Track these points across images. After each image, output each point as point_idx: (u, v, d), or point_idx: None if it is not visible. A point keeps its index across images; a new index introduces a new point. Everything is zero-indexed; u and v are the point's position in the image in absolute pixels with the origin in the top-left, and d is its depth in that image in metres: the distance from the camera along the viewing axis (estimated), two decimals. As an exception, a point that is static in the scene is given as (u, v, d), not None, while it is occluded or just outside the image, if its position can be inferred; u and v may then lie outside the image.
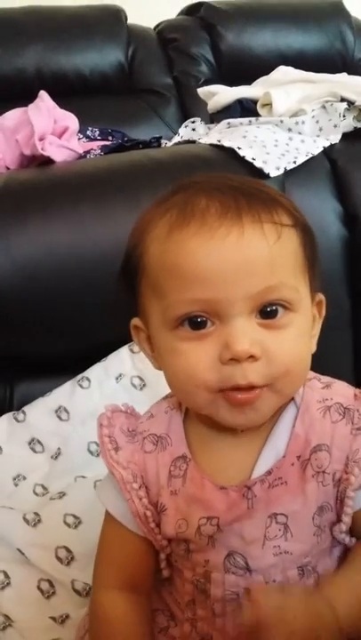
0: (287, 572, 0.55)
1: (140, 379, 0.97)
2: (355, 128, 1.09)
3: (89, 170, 1.05)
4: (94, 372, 0.98)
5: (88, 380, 0.97)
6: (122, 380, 0.97)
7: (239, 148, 1.00)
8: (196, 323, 0.52)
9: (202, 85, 1.59)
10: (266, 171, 0.98)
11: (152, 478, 0.57)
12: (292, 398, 0.57)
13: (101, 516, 0.79)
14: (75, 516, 0.84)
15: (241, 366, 0.51)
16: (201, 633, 0.57)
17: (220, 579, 0.55)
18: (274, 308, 0.52)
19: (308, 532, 0.55)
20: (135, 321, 0.59)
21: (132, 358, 0.97)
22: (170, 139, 1.33)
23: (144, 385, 0.97)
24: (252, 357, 0.51)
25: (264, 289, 0.51)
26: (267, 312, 0.52)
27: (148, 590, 0.60)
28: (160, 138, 1.32)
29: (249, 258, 0.51)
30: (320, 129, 1.09)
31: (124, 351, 0.97)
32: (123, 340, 0.95)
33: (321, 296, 0.59)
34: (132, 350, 0.97)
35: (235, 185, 0.55)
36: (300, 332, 0.53)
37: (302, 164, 1.00)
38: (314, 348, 0.57)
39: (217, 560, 0.55)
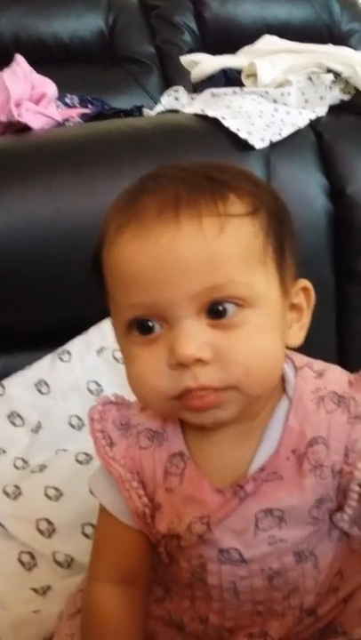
0: (283, 558, 0.54)
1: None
2: (341, 100, 1.08)
3: (68, 138, 1.02)
4: (75, 345, 0.96)
5: (69, 353, 0.96)
6: (103, 354, 0.96)
7: (223, 119, 0.98)
8: (144, 327, 0.49)
9: (185, 54, 1.55)
10: (251, 142, 0.96)
11: (148, 475, 0.56)
12: (285, 390, 0.55)
13: (82, 488, 0.78)
14: (56, 489, 0.84)
15: (190, 370, 0.48)
16: (198, 612, 0.57)
17: (217, 569, 0.54)
18: (222, 307, 0.48)
19: (305, 522, 0.53)
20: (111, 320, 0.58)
21: (113, 331, 0.96)
22: (152, 108, 1.31)
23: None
24: (200, 361, 0.47)
25: (207, 288, 0.48)
26: (216, 311, 0.48)
27: (144, 584, 0.59)
28: (142, 107, 1.29)
29: (184, 257, 0.47)
30: (306, 101, 1.07)
31: (105, 324, 0.96)
32: (104, 312, 0.94)
33: (305, 282, 0.55)
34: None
35: (183, 176, 0.51)
36: (259, 329, 0.49)
37: (288, 136, 0.99)
38: (300, 340, 0.54)
39: (211, 554, 0.54)
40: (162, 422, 0.56)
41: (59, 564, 0.77)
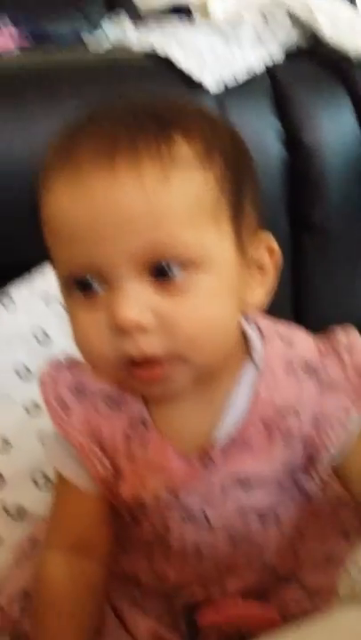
0: (248, 521, 0.54)
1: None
2: (298, 44, 1.04)
3: (4, 68, 0.94)
4: (18, 291, 0.92)
5: (12, 299, 0.92)
6: (49, 299, 0.92)
7: (174, 56, 0.93)
8: (84, 286, 0.45)
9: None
10: (205, 85, 0.92)
11: (108, 441, 0.53)
12: (251, 356, 0.53)
13: (32, 438, 0.77)
14: (4, 440, 0.82)
15: (132, 338, 0.44)
16: (156, 571, 0.57)
17: (179, 532, 0.54)
18: (167, 265, 0.44)
19: (271, 488, 0.53)
20: None
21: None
22: (92, 34, 1.22)
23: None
24: (142, 328, 0.44)
25: (148, 246, 0.43)
26: (160, 270, 0.44)
27: (100, 557, 0.56)
28: (81, 32, 1.20)
29: (120, 210, 0.42)
30: (259, 39, 1.03)
31: (49, 267, 0.91)
32: (48, 255, 0.90)
33: (269, 240, 0.51)
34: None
35: (124, 113, 0.46)
36: (208, 295, 0.45)
37: (243, 81, 0.95)
38: (261, 303, 0.51)
39: (175, 517, 0.53)
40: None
41: (9, 514, 0.76)
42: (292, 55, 1.01)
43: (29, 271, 0.92)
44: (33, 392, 0.79)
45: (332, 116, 0.98)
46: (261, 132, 0.95)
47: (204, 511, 0.53)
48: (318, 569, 0.57)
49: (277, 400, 0.52)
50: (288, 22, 1.01)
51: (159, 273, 0.44)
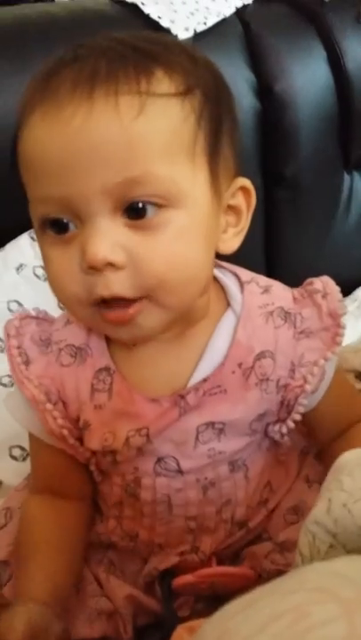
0: (218, 469, 0.54)
1: (44, 268, 0.91)
2: (269, -15, 1.00)
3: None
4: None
5: (-15, 271, 0.90)
6: (23, 271, 0.90)
7: (143, 4, 0.90)
8: (58, 225, 0.45)
9: None
10: (174, 32, 0.89)
11: (71, 394, 0.53)
12: (228, 304, 0.53)
13: (6, 413, 0.76)
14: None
15: (103, 276, 0.44)
16: (126, 530, 0.57)
17: (151, 483, 0.53)
18: (141, 204, 0.43)
19: (244, 434, 0.53)
20: None
21: (33, 246, 0.90)
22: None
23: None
24: (112, 266, 0.43)
25: (123, 181, 0.42)
26: (134, 209, 0.43)
27: (77, 497, 0.57)
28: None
29: (98, 142, 0.42)
30: (232, -14, 0.99)
31: (23, 239, 0.90)
32: (21, 226, 0.88)
33: (244, 181, 0.50)
34: (32, 238, 0.90)
35: (106, 45, 0.45)
36: (180, 233, 0.44)
37: (213, 26, 0.91)
38: (235, 247, 0.50)
39: (147, 466, 0.53)
40: (86, 338, 0.53)
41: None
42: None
43: (2, 244, 0.90)
44: (7, 365, 0.78)
45: (305, 64, 0.94)
46: (233, 82, 0.87)
47: (176, 459, 0.52)
48: (288, 523, 0.57)
49: (255, 345, 0.52)
50: None
51: (132, 212, 0.43)
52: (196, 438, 0.52)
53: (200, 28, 0.90)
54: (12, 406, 0.56)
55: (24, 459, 0.75)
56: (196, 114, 0.45)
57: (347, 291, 1.06)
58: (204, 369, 0.52)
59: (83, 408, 0.53)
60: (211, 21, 0.91)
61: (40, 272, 0.90)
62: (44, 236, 0.46)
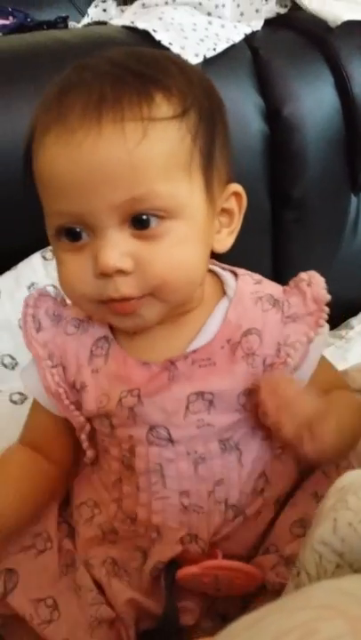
0: (209, 444, 0.56)
1: (55, 287, 0.92)
2: (278, 14, 1.03)
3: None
4: (4, 281, 0.92)
5: (-3, 288, 0.92)
6: (35, 289, 0.92)
7: (155, 31, 0.92)
8: (72, 234, 0.51)
9: None
10: (184, 57, 0.90)
11: (71, 358, 0.58)
12: (224, 292, 0.58)
13: (17, 428, 0.76)
14: (-10, 430, 0.82)
15: (113, 280, 0.50)
16: (126, 511, 0.59)
17: (144, 452, 0.56)
18: (145, 217, 0.49)
19: (231, 408, 0.56)
20: None
21: (44, 266, 0.91)
22: (78, 21, 1.21)
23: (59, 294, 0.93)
24: (122, 272, 0.50)
25: (129, 199, 0.48)
26: (139, 221, 0.49)
27: (56, 460, 0.62)
28: (67, 18, 1.19)
29: (106, 165, 0.47)
30: (241, 13, 1.02)
31: (35, 258, 0.91)
32: (34, 245, 0.89)
33: (236, 187, 0.55)
34: (44, 257, 0.92)
35: (109, 69, 0.50)
36: (180, 241, 0.50)
37: (222, 52, 0.94)
38: (228, 245, 0.56)
39: (140, 434, 0.56)
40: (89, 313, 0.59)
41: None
42: (271, 22, 1.00)
43: (15, 262, 0.91)
44: (19, 382, 0.78)
45: (313, 88, 0.96)
46: (242, 106, 0.93)
47: (167, 429, 0.56)
48: (294, 535, 0.57)
49: (244, 323, 0.56)
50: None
51: (138, 223, 0.49)
52: (187, 408, 0.55)
53: (210, 54, 0.92)
54: (24, 374, 0.62)
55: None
56: (191, 134, 0.50)
57: (354, 311, 1.07)
58: (196, 345, 0.56)
59: (81, 371, 0.58)
60: (220, 47, 0.94)
61: (51, 290, 0.92)
62: (59, 242, 0.52)
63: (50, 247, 0.89)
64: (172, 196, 0.49)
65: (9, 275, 0.92)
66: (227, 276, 0.60)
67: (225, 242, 0.56)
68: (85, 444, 0.60)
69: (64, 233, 0.51)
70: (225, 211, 0.55)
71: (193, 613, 0.57)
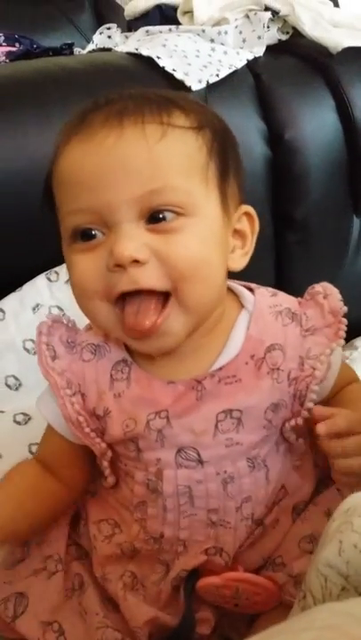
0: (237, 463, 0.56)
1: (59, 308, 0.93)
2: (279, 40, 1.04)
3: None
4: (9, 302, 0.92)
5: (2, 311, 0.92)
6: (39, 311, 0.92)
7: (158, 58, 0.94)
8: (86, 235, 0.52)
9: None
10: (187, 83, 0.92)
11: (91, 385, 0.58)
12: (242, 306, 0.59)
13: (21, 448, 0.77)
14: (-7, 451, 0.81)
15: (127, 272, 0.50)
16: (150, 531, 0.58)
17: (173, 475, 0.56)
18: (162, 215, 0.50)
19: (259, 424, 0.56)
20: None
21: (49, 287, 0.92)
22: (83, 48, 1.23)
23: (63, 315, 0.93)
24: (137, 262, 0.50)
25: (147, 192, 0.50)
26: (155, 218, 0.51)
27: (68, 483, 0.62)
28: (72, 44, 1.22)
29: (126, 158, 0.50)
30: (243, 40, 1.03)
31: (40, 279, 0.92)
32: (39, 267, 0.90)
33: (247, 208, 0.57)
34: (49, 279, 0.92)
35: (133, 94, 0.54)
36: (196, 237, 0.51)
37: (225, 78, 0.95)
38: (242, 265, 0.57)
39: (168, 457, 0.56)
40: (104, 338, 0.59)
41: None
42: (273, 49, 1.01)
43: (20, 284, 0.92)
44: (23, 402, 0.78)
45: (314, 112, 0.97)
46: (245, 130, 0.94)
47: (196, 450, 0.55)
48: (302, 551, 0.57)
49: (266, 338, 0.57)
50: (269, 18, 1.01)
51: (154, 218, 0.51)
52: (216, 427, 0.55)
53: (213, 80, 0.94)
54: (40, 402, 0.62)
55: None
56: (207, 147, 0.53)
57: (357, 332, 1.07)
58: (221, 361, 0.56)
59: (102, 397, 0.57)
60: (223, 73, 0.95)
61: (55, 312, 0.92)
62: (73, 245, 0.53)
63: (55, 269, 0.90)
64: (188, 192, 0.51)
65: (13, 296, 0.92)
66: (242, 289, 0.61)
67: (240, 262, 0.57)
68: (107, 471, 0.60)
69: (79, 235, 0.52)
70: (238, 232, 0.57)
71: (209, 623, 0.58)
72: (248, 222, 0.57)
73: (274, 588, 0.56)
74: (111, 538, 0.61)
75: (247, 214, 0.57)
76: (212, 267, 0.53)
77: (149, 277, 0.50)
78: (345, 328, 0.58)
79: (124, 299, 0.52)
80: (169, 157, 0.51)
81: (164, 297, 0.51)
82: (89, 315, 0.55)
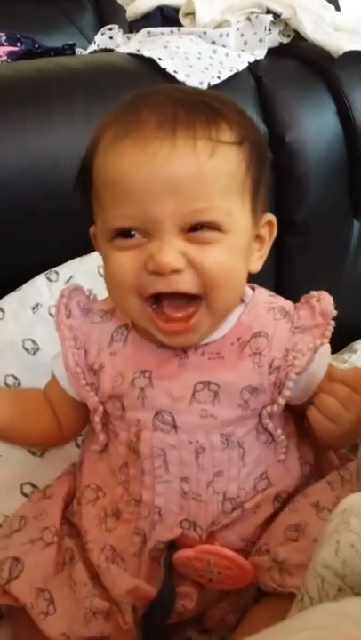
0: (210, 435, 0.59)
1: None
2: (280, 43, 1.05)
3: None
4: (8, 301, 0.92)
5: (2, 310, 0.92)
6: (39, 311, 0.92)
7: (160, 59, 0.94)
8: (128, 235, 0.55)
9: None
10: (189, 85, 0.92)
11: (93, 343, 0.64)
12: (242, 300, 0.63)
13: (20, 449, 0.77)
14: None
15: (165, 279, 0.54)
16: (132, 493, 0.62)
17: (149, 437, 0.60)
18: (199, 227, 0.54)
19: (234, 402, 0.59)
20: (92, 229, 0.63)
21: (49, 287, 0.92)
22: (85, 48, 1.24)
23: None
24: (175, 272, 0.54)
25: (192, 210, 0.53)
26: (194, 230, 0.54)
27: (60, 422, 0.70)
28: (74, 45, 1.22)
29: (178, 176, 0.52)
30: (245, 42, 1.04)
31: (40, 279, 0.92)
32: (38, 267, 0.90)
33: (270, 216, 0.62)
34: (49, 279, 0.92)
35: (181, 97, 0.56)
36: (227, 250, 0.55)
37: (226, 80, 0.96)
38: (258, 267, 0.62)
39: (147, 419, 0.60)
40: (114, 306, 0.64)
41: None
42: (275, 52, 1.01)
43: (20, 283, 0.91)
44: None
45: (315, 116, 0.98)
46: None
47: (172, 414, 0.59)
48: (287, 539, 0.59)
49: (255, 326, 0.61)
50: (271, 21, 1.01)
51: (192, 230, 0.54)
52: (193, 396, 0.59)
53: (214, 82, 0.94)
54: (53, 360, 0.68)
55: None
56: (246, 161, 0.56)
57: (357, 335, 1.07)
58: (209, 340, 0.60)
59: (100, 354, 0.63)
60: (224, 75, 0.95)
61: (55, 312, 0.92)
62: (113, 241, 0.57)
63: (55, 269, 0.90)
64: (228, 212, 0.55)
65: (13, 295, 0.92)
66: (247, 288, 0.64)
67: (256, 264, 0.62)
68: (98, 427, 0.64)
69: (121, 234, 0.56)
70: (258, 237, 0.61)
71: (190, 597, 0.59)
72: (268, 228, 0.62)
73: (246, 565, 0.58)
74: (95, 501, 0.65)
75: (269, 222, 0.62)
76: (239, 274, 0.58)
77: (185, 282, 0.55)
78: (331, 329, 0.61)
79: (156, 296, 0.56)
80: (215, 177, 0.54)
81: (194, 297, 0.56)
82: (121, 306, 0.61)
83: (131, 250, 0.55)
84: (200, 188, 0.53)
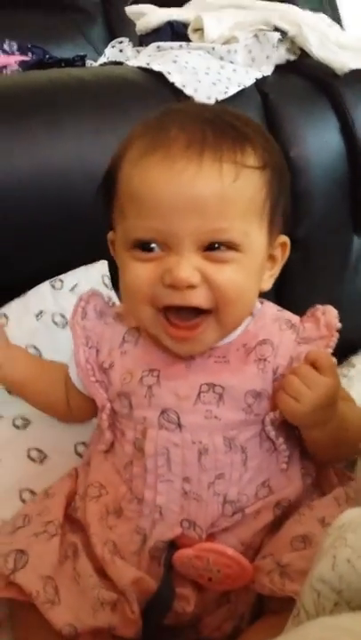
0: (214, 437, 0.61)
1: (62, 316, 0.93)
2: (287, 60, 1.06)
3: (4, 86, 0.96)
4: (12, 308, 0.92)
5: (6, 316, 0.92)
6: (42, 318, 0.93)
7: (169, 73, 0.95)
8: (147, 247, 0.57)
9: (131, 5, 1.48)
10: (197, 99, 0.93)
11: (105, 343, 0.67)
12: (251, 313, 0.64)
13: (19, 453, 0.78)
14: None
15: (180, 292, 0.56)
16: (135, 492, 0.63)
17: (155, 435, 0.62)
18: (217, 246, 0.56)
19: (238, 406, 0.61)
20: (111, 235, 0.64)
21: (53, 294, 0.92)
22: (95, 60, 1.25)
23: (66, 323, 0.94)
24: (190, 287, 0.56)
25: (213, 230, 0.55)
26: (212, 248, 0.56)
27: (71, 406, 0.73)
28: (85, 56, 1.23)
29: (202, 195, 0.54)
30: (252, 59, 1.05)
31: (44, 286, 0.92)
32: (42, 274, 0.91)
33: (285, 238, 0.64)
34: (53, 286, 0.93)
35: (209, 117, 0.58)
36: (242, 270, 0.57)
37: (233, 96, 0.97)
38: (269, 286, 0.64)
39: (153, 417, 0.62)
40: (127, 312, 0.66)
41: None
42: (281, 69, 1.03)
43: (24, 290, 0.92)
44: (22, 408, 0.79)
45: (319, 132, 0.99)
46: None
47: (177, 413, 0.61)
48: (294, 548, 0.59)
49: (261, 334, 0.63)
50: (278, 38, 1.03)
51: (211, 248, 0.56)
52: (198, 396, 0.61)
53: (221, 97, 0.95)
54: (71, 360, 0.69)
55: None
56: (267, 187, 0.58)
57: (356, 349, 1.07)
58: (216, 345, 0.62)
59: (111, 353, 0.66)
60: (231, 91, 0.96)
61: (58, 319, 0.93)
62: (131, 251, 0.59)
63: (59, 277, 0.91)
64: (247, 233, 0.57)
65: (17, 302, 0.92)
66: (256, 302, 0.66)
67: (267, 282, 0.64)
68: (105, 425, 0.65)
69: (140, 245, 0.58)
70: (271, 257, 0.63)
71: (187, 600, 0.60)
72: (281, 249, 0.64)
73: (245, 564, 0.58)
74: (98, 498, 0.65)
75: (283, 243, 0.64)
76: (251, 292, 0.61)
77: (198, 297, 0.57)
78: (335, 341, 0.63)
79: (168, 307, 0.58)
80: (237, 200, 0.56)
81: (203, 310, 0.58)
82: (133, 313, 0.63)
83: (147, 262, 0.57)
84: (222, 209, 0.55)
